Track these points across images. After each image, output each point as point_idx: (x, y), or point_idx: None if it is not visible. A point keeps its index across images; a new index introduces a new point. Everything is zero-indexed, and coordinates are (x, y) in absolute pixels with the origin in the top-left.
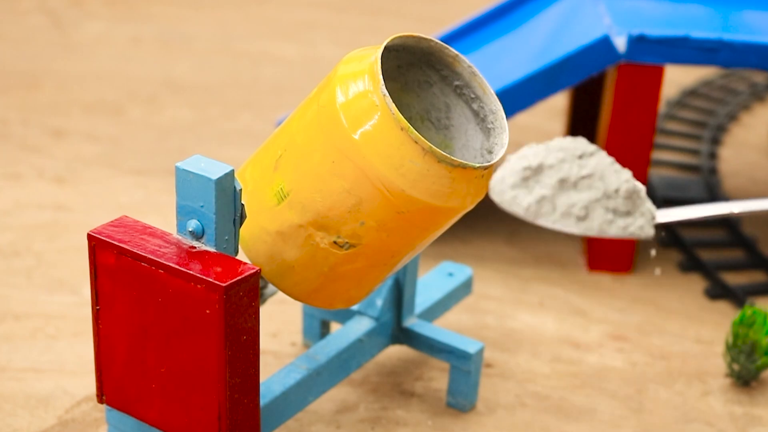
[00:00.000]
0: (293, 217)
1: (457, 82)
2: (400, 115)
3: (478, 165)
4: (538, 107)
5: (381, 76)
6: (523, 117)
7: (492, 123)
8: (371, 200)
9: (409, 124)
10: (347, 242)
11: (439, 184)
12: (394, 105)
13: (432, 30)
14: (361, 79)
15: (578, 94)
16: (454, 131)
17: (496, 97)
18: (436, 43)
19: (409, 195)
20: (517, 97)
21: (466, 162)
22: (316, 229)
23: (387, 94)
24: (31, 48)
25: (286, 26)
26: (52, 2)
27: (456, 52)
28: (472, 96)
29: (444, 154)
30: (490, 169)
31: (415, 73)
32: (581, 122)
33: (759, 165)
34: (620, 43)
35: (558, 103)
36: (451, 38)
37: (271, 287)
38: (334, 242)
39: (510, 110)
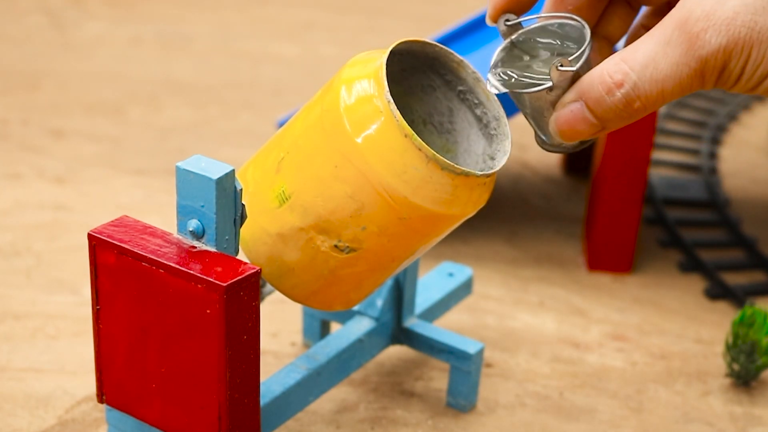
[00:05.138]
0: (294, 219)
1: (460, 87)
2: (404, 121)
3: (480, 173)
4: None
5: (386, 82)
6: (523, 117)
7: (495, 129)
8: (373, 205)
9: (413, 132)
10: (348, 246)
11: (442, 191)
12: (398, 111)
13: (431, 30)
14: (365, 84)
15: None
16: (456, 135)
17: (499, 103)
18: (441, 48)
19: (411, 201)
20: None
21: (469, 170)
22: (317, 233)
23: (391, 101)
24: (31, 48)
25: (286, 26)
26: (52, 2)
27: (461, 57)
28: (476, 102)
29: (447, 161)
30: (492, 177)
31: (418, 77)
32: None
33: (759, 165)
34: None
35: None
36: (451, 38)
37: (269, 286)
38: (335, 246)
39: (510, 110)
